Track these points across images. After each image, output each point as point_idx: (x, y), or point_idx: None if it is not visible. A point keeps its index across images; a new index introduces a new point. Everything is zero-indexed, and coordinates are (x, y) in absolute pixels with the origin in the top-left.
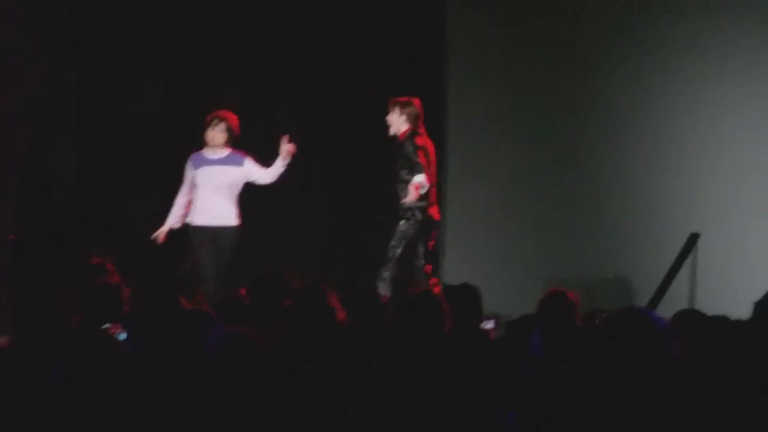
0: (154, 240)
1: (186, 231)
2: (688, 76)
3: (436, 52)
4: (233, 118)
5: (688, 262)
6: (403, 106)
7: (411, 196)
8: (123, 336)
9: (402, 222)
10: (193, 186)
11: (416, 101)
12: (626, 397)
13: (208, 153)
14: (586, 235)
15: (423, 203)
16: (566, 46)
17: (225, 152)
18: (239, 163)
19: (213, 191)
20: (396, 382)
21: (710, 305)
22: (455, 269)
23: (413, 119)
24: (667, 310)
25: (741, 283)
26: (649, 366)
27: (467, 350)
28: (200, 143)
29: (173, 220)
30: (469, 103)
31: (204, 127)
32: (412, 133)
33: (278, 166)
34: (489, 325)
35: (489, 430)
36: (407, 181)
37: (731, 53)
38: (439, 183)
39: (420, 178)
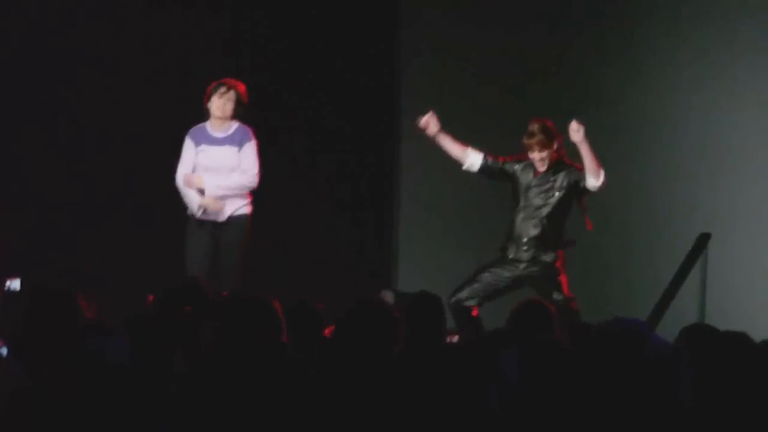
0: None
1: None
2: (697, 74)
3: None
4: (242, 86)
5: (698, 264)
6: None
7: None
8: (4, 351)
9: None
10: (194, 167)
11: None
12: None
13: (211, 128)
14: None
15: None
16: (538, 40)
17: (232, 127)
18: (241, 144)
19: (213, 176)
20: (336, 414)
21: (721, 311)
22: (410, 276)
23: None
24: (675, 317)
25: (755, 285)
26: (648, 399)
27: (426, 372)
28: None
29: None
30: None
31: (206, 95)
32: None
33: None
34: (453, 341)
35: None
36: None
37: (743, 52)
38: (392, 182)
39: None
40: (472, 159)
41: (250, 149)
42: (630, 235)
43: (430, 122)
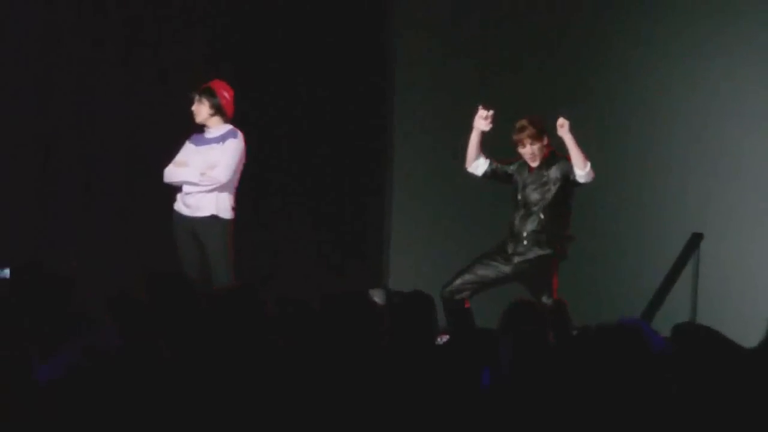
0: None
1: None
2: (691, 72)
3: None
4: (220, 87)
5: (689, 264)
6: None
7: None
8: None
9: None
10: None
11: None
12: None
13: (207, 132)
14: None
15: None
16: (532, 35)
17: (223, 129)
18: (224, 141)
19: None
20: (321, 411)
21: (713, 311)
22: (402, 275)
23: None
24: (665, 319)
25: (747, 286)
26: (640, 396)
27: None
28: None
29: None
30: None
31: (189, 102)
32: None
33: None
34: (444, 341)
35: None
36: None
37: (739, 51)
38: (384, 179)
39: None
40: (480, 162)
41: (228, 146)
42: (622, 234)
43: (488, 118)
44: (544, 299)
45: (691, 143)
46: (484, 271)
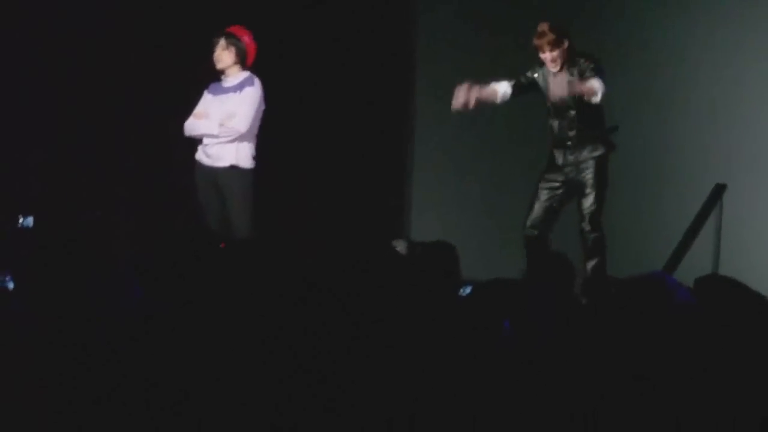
0: None
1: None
2: (713, 22)
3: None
4: (246, 35)
5: (712, 216)
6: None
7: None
8: (10, 285)
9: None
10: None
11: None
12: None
13: (224, 80)
14: None
15: None
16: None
17: (240, 77)
18: (241, 90)
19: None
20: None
21: (736, 265)
22: (424, 225)
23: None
24: (688, 272)
25: None
26: (666, 344)
27: (437, 321)
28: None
29: None
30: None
31: (211, 48)
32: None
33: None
34: (467, 291)
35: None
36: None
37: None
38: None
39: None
40: (503, 89)
41: (246, 95)
42: (643, 186)
43: (467, 99)
44: (588, 220)
45: (714, 93)
46: (546, 201)
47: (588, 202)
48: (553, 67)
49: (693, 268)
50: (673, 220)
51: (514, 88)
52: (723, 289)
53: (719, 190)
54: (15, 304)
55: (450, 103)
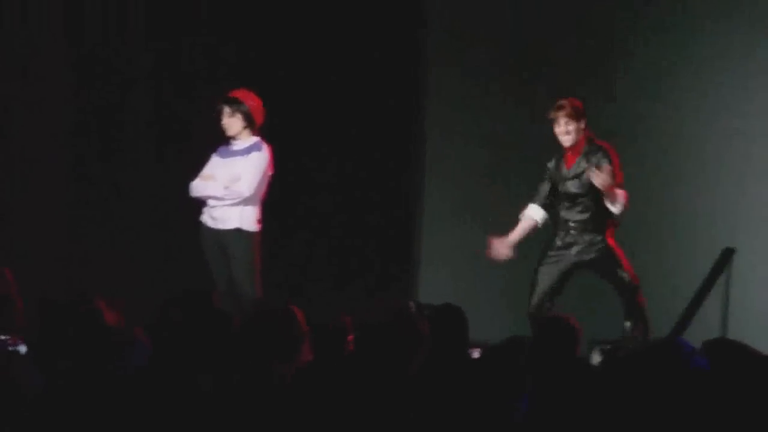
0: None
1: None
2: (717, 78)
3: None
4: (251, 99)
5: (720, 281)
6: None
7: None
8: (23, 349)
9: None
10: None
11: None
12: None
13: (233, 143)
14: None
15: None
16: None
17: (249, 141)
18: (249, 154)
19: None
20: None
21: (744, 330)
22: (432, 288)
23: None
24: (695, 336)
25: None
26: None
27: (447, 386)
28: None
29: None
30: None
31: (217, 116)
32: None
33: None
34: (475, 355)
35: None
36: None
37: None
38: (415, 187)
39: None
40: (536, 214)
41: (253, 159)
42: (651, 248)
43: (502, 251)
44: (619, 273)
45: (723, 157)
46: (546, 278)
47: (622, 275)
48: (565, 141)
49: (701, 331)
50: (682, 283)
51: (544, 201)
52: (732, 353)
53: (728, 254)
54: (28, 367)
55: (456, 160)
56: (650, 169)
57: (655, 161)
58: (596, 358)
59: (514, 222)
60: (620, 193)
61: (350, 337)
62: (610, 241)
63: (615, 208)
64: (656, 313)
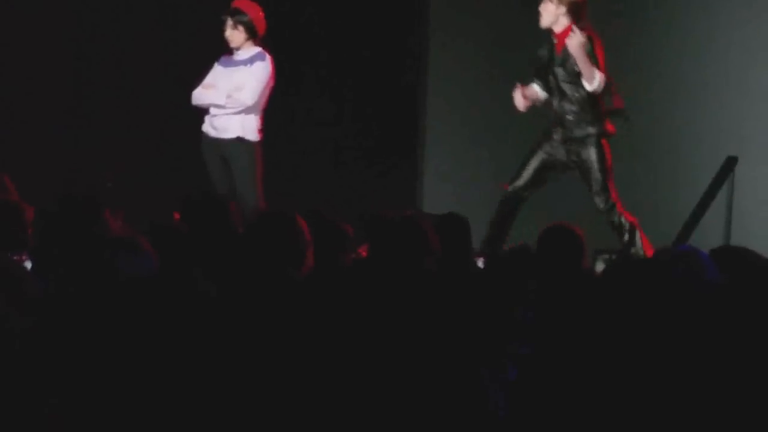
0: None
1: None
2: None
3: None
4: (253, 9)
5: (723, 190)
6: None
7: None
8: (29, 266)
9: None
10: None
11: None
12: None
13: (235, 54)
14: None
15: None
16: None
17: (252, 51)
18: (252, 64)
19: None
20: (366, 333)
21: (747, 237)
22: (435, 197)
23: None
24: (699, 244)
25: None
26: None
27: (456, 292)
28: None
29: None
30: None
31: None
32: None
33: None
34: (479, 264)
35: (479, 387)
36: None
37: None
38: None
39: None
40: (536, 91)
41: (255, 69)
42: (655, 159)
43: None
44: (600, 196)
45: (726, 64)
46: (540, 163)
47: (594, 178)
48: (543, 21)
49: (704, 239)
50: (686, 191)
51: (542, 82)
52: (738, 260)
53: (731, 163)
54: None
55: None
56: (657, 80)
57: (662, 73)
58: (600, 268)
59: (518, 132)
60: (597, 71)
61: (362, 248)
62: (604, 142)
63: (590, 85)
64: (662, 221)
